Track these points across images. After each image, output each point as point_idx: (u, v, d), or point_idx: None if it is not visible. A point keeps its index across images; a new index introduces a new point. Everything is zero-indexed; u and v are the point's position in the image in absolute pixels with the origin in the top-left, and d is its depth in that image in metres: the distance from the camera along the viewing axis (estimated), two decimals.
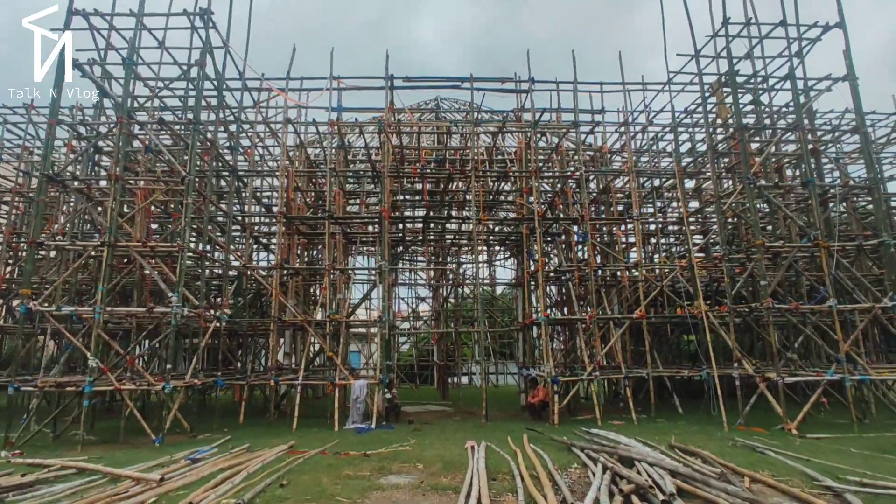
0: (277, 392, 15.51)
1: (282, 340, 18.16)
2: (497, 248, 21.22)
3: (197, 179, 12.80)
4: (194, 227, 12.81)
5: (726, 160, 17.41)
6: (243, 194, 16.68)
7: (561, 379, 13.87)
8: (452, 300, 27.71)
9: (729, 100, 16.34)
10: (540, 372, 15.02)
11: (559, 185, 17.03)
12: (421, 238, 17.40)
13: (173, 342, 10.99)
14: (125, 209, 13.19)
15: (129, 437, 12.05)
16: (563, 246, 17.37)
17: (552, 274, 16.47)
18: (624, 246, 18.40)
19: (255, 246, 17.24)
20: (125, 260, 13.31)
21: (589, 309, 14.74)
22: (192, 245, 12.40)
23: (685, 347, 21.67)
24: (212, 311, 13.31)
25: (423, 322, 31.97)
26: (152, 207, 14.26)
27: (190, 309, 11.88)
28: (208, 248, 14.08)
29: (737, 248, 14.49)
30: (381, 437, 11.37)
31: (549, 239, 18.18)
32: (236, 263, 15.46)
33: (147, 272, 12.46)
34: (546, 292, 14.50)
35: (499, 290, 34.26)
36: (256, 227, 17.56)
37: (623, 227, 17.79)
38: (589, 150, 17.85)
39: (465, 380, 28.06)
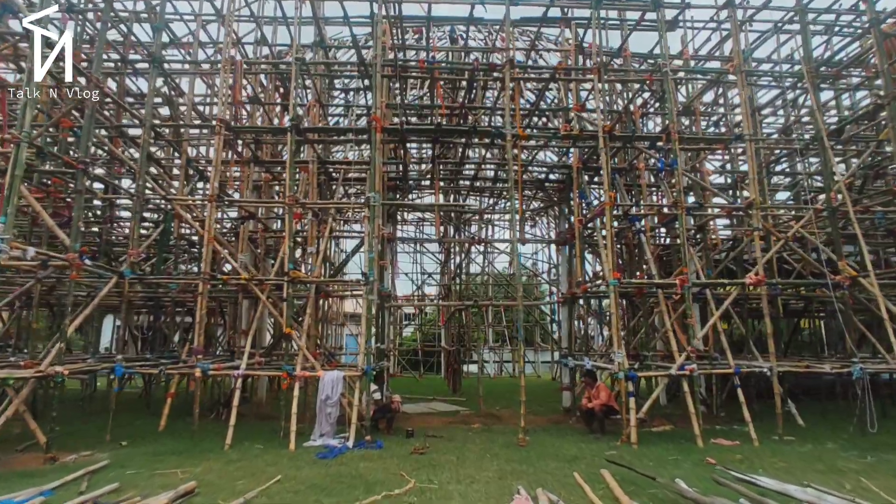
0: (208, 384, 10.90)
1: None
2: (529, 197, 16.10)
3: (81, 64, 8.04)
4: (74, 126, 8.08)
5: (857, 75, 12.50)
6: (178, 105, 11.92)
7: (639, 374, 9.13)
8: (465, 276, 22.95)
9: None
10: (603, 363, 10.29)
11: (627, 96, 12.17)
12: (429, 175, 12.52)
13: None
14: None
15: None
16: (626, 191, 12.45)
17: (618, 222, 11.53)
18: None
19: (197, 180, 12.43)
20: None
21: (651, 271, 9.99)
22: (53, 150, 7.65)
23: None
24: (88, 260, 8.59)
25: (430, 300, 27.45)
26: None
27: (42, 252, 7.17)
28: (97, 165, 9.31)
29: None
30: (358, 471, 6.67)
31: (600, 183, 13.30)
32: (152, 194, 10.67)
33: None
34: (614, 247, 9.66)
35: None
36: (200, 157, 12.72)
37: (709, 166, 12.81)
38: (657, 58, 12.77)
39: (472, 368, 23.59)
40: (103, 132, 11.27)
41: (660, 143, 10.32)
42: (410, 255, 28.54)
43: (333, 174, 12.52)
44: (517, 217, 9.86)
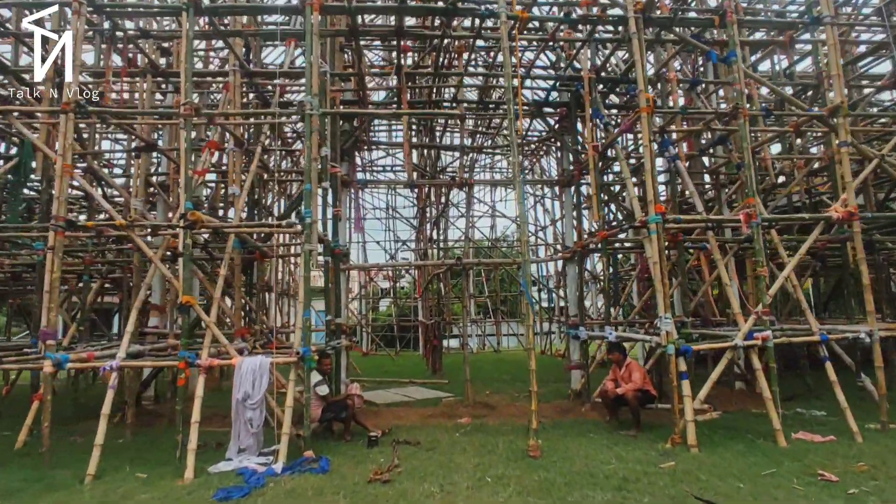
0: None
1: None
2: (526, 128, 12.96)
3: None
4: None
5: None
6: None
7: (694, 347, 6.54)
8: (443, 241, 20.12)
9: None
10: (639, 333, 7.69)
11: None
12: (396, 91, 9.37)
13: None
14: None
15: None
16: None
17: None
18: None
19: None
20: None
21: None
22: None
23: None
24: None
25: (404, 271, 24.75)
26: None
27: None
28: None
29: None
30: None
31: (616, 106, 10.55)
32: None
33: None
34: (654, 168, 6.90)
35: (500, 227, 26.95)
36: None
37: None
38: None
39: (453, 343, 21.49)
40: None
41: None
42: (382, 222, 25.67)
43: (268, 96, 9.40)
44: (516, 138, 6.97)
